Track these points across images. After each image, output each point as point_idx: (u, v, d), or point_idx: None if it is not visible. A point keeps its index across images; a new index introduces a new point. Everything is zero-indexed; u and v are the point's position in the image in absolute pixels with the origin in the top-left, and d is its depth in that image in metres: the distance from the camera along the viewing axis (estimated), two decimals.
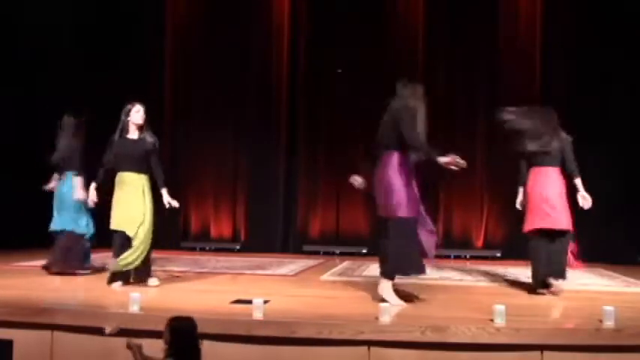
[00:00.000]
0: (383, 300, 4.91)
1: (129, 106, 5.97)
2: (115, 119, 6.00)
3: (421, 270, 5.04)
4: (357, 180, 5.31)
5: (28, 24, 9.45)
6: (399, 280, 5.22)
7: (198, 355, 3.37)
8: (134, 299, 4.58)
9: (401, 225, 4.93)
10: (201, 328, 4.34)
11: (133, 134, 5.98)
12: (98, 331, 4.36)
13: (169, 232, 9.55)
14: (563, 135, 5.71)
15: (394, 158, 5.00)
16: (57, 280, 6.33)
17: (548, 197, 5.56)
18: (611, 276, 7.35)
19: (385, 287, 5.04)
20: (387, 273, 5.06)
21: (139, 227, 5.82)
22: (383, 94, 5.54)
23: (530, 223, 5.64)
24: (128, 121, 5.95)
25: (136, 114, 5.95)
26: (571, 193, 5.71)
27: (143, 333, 4.39)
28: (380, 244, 5.15)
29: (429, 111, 10.43)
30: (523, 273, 6.60)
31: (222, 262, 8.25)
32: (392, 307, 4.42)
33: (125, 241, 5.84)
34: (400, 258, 4.96)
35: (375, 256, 5.94)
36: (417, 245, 5.00)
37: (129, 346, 3.46)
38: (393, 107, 5.11)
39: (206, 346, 4.32)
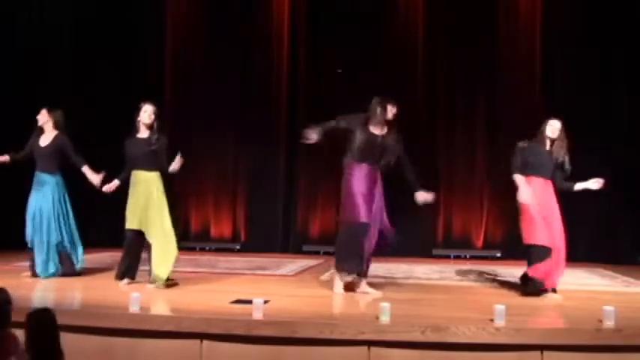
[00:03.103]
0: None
1: (140, 106, 6.14)
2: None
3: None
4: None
5: (28, 24, 9.43)
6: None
7: (53, 345, 3.28)
8: (134, 299, 4.58)
9: None
10: (201, 328, 4.36)
11: (143, 133, 6.13)
12: (98, 331, 4.37)
13: None
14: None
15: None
16: (57, 281, 6.31)
17: (547, 215, 5.49)
18: (611, 276, 7.36)
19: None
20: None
21: (152, 227, 5.91)
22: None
23: (534, 238, 5.44)
24: (139, 120, 6.11)
25: (144, 114, 6.09)
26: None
27: (143, 333, 4.40)
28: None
29: (429, 110, 10.42)
30: None
31: (222, 262, 8.24)
32: (392, 306, 4.41)
33: (137, 240, 5.98)
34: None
35: (375, 257, 5.93)
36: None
37: None
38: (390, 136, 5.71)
39: (206, 346, 4.34)
